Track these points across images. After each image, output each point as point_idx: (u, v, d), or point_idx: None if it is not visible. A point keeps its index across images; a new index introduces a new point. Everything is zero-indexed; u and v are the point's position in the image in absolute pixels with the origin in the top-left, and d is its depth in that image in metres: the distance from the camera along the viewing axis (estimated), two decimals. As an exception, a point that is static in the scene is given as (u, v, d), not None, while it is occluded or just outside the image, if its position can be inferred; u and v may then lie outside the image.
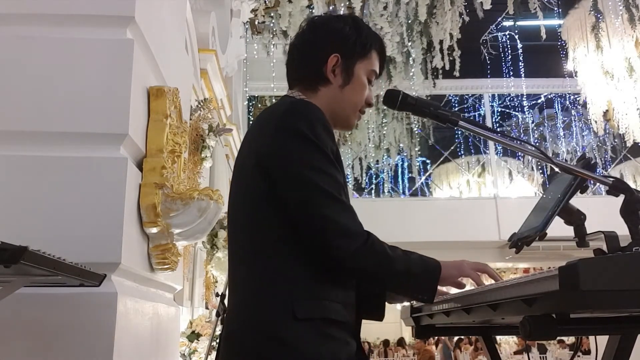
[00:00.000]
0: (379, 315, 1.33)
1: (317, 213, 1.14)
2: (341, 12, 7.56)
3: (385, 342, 13.51)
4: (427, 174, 13.86)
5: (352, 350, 1.18)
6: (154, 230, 1.85)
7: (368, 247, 1.14)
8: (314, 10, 7.57)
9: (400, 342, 13.56)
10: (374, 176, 13.62)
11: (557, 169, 1.13)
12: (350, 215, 1.16)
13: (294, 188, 1.16)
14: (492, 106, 13.63)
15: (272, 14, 8.21)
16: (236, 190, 1.27)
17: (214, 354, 3.28)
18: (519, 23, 12.77)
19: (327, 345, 1.12)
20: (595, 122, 8.93)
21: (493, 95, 13.68)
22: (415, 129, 12.70)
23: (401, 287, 1.24)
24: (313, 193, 1.14)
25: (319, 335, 1.11)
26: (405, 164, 13.90)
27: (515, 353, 10.66)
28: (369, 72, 1.34)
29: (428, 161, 13.92)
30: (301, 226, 1.16)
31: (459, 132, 12.44)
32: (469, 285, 1.22)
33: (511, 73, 12.72)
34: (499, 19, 12.71)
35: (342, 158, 1.27)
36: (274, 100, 11.37)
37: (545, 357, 10.10)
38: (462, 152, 14.13)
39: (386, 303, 1.35)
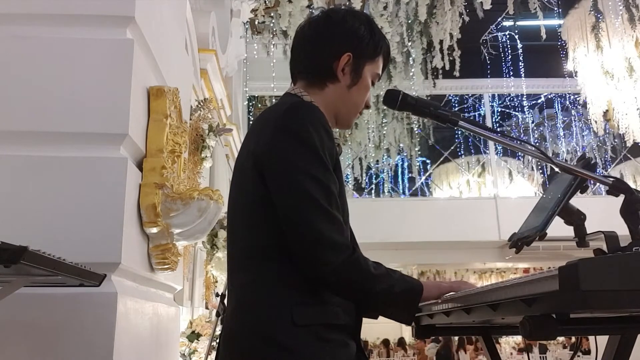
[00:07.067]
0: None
1: (302, 221, 1.11)
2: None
3: (386, 342, 13.50)
4: (427, 174, 13.85)
5: (351, 352, 1.18)
6: (154, 230, 1.85)
7: (353, 261, 1.11)
8: (314, 11, 7.57)
9: (400, 342, 13.56)
10: (374, 176, 13.60)
11: (557, 169, 1.13)
12: (338, 227, 1.12)
13: (284, 192, 1.13)
14: (492, 106, 13.62)
15: (272, 14, 8.20)
16: (235, 193, 1.25)
17: (214, 354, 3.28)
18: (519, 23, 12.77)
19: (326, 347, 1.11)
20: (595, 122, 8.92)
21: (493, 95, 13.68)
22: (415, 129, 12.68)
23: (381, 306, 1.19)
24: (302, 200, 1.11)
25: (318, 339, 1.11)
26: (405, 164, 13.88)
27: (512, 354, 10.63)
28: (373, 75, 1.34)
29: (428, 161, 13.91)
30: (287, 233, 1.13)
31: (459, 132, 12.44)
32: None
33: (511, 73, 12.70)
34: (499, 19, 12.71)
35: (342, 158, 1.25)
36: (274, 101, 11.39)
37: (545, 357, 10.09)
38: (462, 152, 14.12)
39: None
